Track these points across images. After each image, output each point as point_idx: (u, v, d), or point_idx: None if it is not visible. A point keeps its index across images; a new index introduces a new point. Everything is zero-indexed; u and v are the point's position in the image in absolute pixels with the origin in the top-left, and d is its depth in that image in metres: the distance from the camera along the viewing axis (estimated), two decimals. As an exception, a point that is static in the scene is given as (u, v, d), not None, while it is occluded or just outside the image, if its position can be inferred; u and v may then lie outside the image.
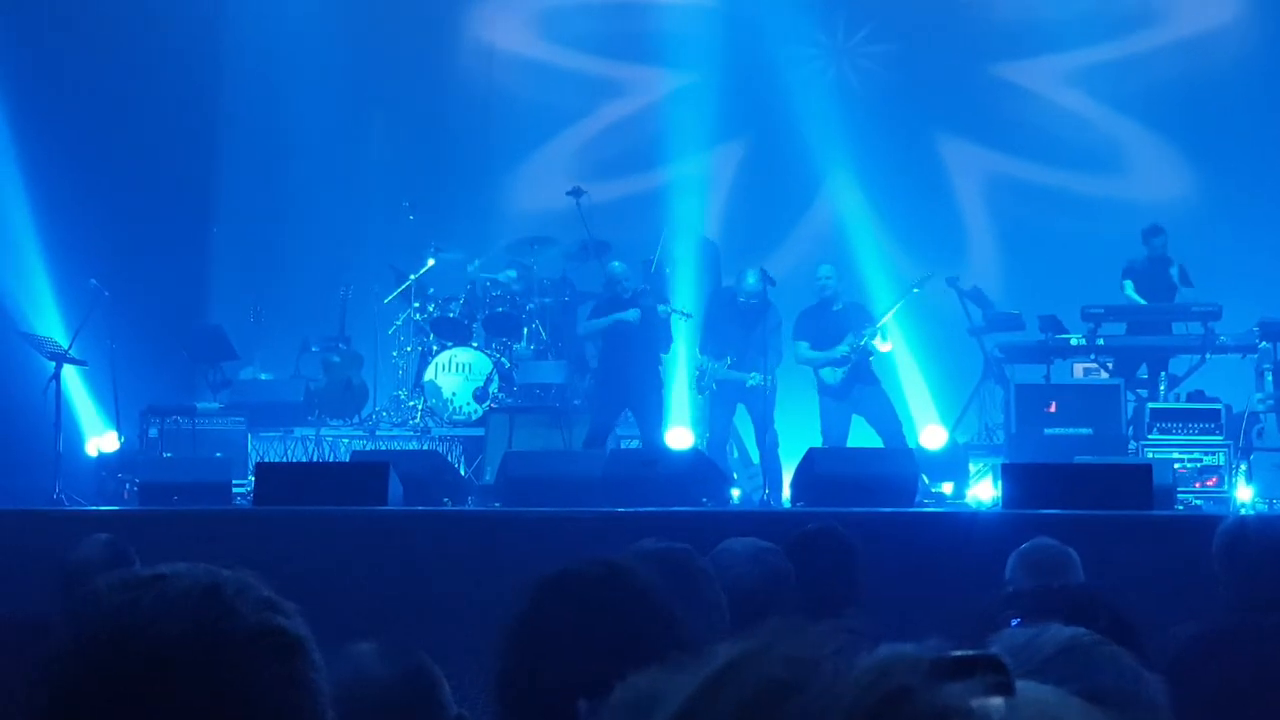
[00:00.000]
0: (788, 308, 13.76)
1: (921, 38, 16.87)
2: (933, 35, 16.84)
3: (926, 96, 16.76)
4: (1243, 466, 12.56)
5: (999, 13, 16.85)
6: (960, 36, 16.76)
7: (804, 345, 13.62)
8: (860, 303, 14.03)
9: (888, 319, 13.68)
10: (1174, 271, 13.92)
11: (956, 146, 16.87)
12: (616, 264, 13.91)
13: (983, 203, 16.83)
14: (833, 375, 13.52)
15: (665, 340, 13.66)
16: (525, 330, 14.80)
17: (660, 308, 13.56)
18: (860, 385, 13.50)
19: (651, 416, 13.34)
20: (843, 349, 13.47)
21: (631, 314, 13.40)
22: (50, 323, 14.24)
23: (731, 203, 16.61)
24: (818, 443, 12.86)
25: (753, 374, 13.26)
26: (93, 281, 13.56)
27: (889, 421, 13.44)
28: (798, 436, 13.21)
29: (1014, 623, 3.76)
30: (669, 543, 4.07)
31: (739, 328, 13.58)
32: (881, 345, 13.61)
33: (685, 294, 14.45)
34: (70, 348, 12.86)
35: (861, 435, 13.54)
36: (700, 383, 13.77)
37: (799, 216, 16.69)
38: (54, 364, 12.48)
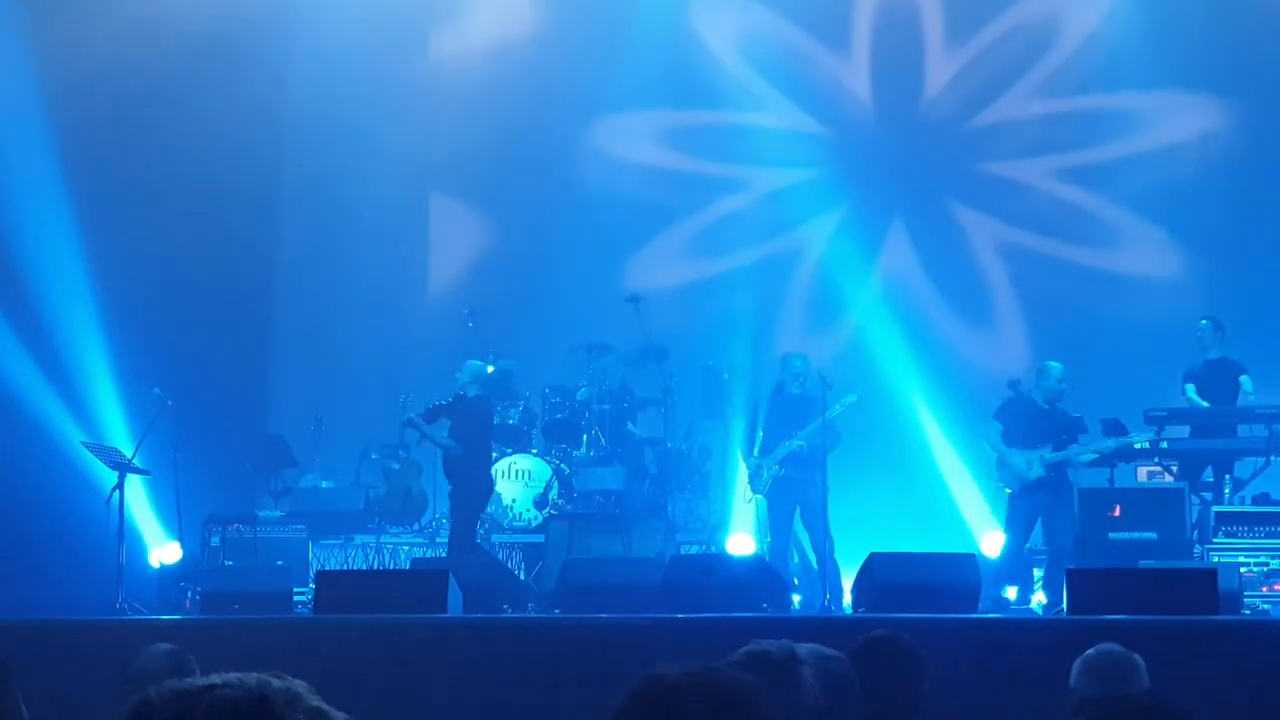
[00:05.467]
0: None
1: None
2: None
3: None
4: (1311, 570, 12.40)
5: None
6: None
7: (996, 430, 13.17)
8: (1077, 415, 13.24)
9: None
10: (1244, 379, 13.72)
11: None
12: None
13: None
14: (1028, 468, 12.93)
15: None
16: (584, 436, 14.83)
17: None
18: (1049, 490, 12.94)
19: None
20: (1034, 464, 12.88)
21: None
22: (114, 431, 14.36)
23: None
24: (873, 546, 12.64)
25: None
26: (156, 390, 13.67)
27: (1060, 534, 12.84)
28: (855, 539, 12.99)
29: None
30: (784, 647, 3.85)
31: (789, 420, 13.49)
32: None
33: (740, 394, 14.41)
34: (134, 457, 12.95)
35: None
36: (757, 481, 13.61)
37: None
38: (117, 474, 12.58)
